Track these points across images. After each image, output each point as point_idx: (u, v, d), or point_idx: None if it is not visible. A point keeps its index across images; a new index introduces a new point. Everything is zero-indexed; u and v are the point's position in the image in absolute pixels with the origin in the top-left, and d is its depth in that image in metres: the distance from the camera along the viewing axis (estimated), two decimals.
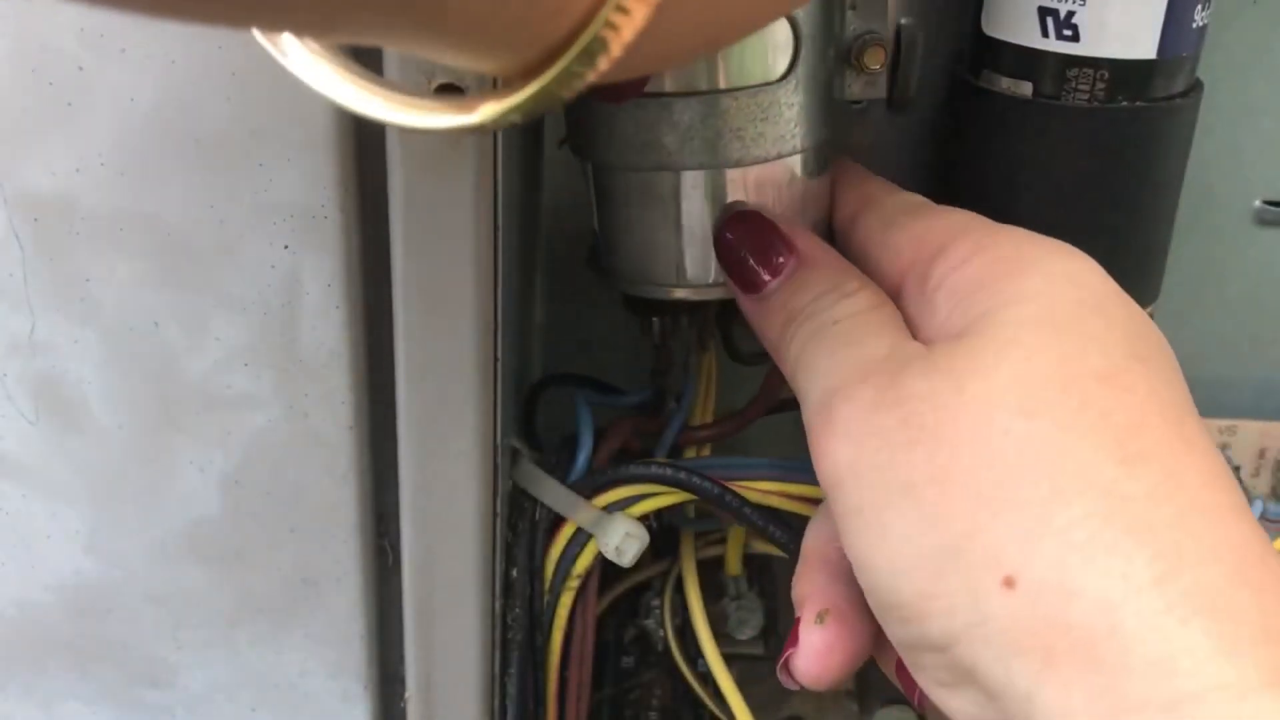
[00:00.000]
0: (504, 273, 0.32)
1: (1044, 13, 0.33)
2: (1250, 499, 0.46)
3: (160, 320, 0.32)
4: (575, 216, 0.45)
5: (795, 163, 0.34)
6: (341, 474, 0.33)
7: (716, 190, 0.34)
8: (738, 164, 0.33)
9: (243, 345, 0.32)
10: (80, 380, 0.32)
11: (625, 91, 0.29)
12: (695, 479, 0.37)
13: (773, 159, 0.34)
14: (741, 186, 0.34)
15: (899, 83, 0.42)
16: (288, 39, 0.20)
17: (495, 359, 0.32)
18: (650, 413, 0.42)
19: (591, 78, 0.16)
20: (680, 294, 0.35)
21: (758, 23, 0.27)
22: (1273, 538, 0.41)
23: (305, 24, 0.17)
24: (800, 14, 0.33)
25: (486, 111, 0.17)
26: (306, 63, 0.19)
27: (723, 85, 0.32)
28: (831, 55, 0.35)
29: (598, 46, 0.16)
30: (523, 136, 0.38)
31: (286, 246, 0.31)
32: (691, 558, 0.44)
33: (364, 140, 0.30)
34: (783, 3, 0.26)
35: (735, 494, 0.37)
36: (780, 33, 0.33)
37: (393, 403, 0.32)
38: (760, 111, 0.33)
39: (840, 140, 0.37)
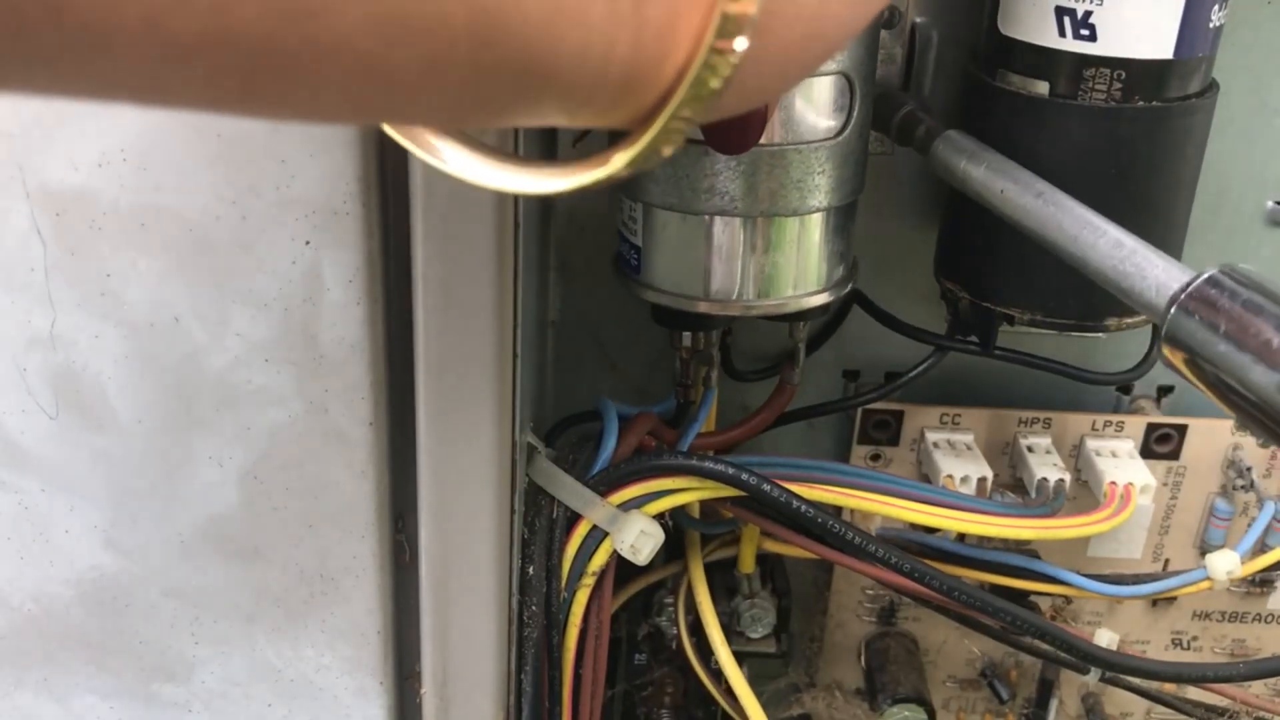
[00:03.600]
0: (523, 269, 0.32)
1: (1061, 12, 0.33)
2: (1261, 501, 0.46)
3: (181, 315, 0.32)
4: (588, 214, 0.45)
5: (837, 213, 0.37)
6: (360, 469, 0.33)
7: (758, 227, 0.36)
8: (794, 213, 0.35)
9: (263, 340, 0.32)
10: (100, 375, 0.32)
11: (747, 140, 0.30)
12: (709, 464, 0.37)
13: (824, 209, 0.36)
14: (785, 229, 0.36)
15: (912, 80, 0.42)
16: (442, 145, 0.22)
17: (514, 355, 0.32)
18: (668, 422, 0.42)
19: (696, 119, 0.18)
20: (704, 307, 0.37)
21: (846, 39, 0.27)
22: None
23: (438, 114, 0.19)
24: (855, 74, 0.35)
25: (617, 161, 0.19)
26: (460, 161, 0.21)
27: (788, 139, 0.34)
28: (868, 114, 0.37)
29: (701, 89, 0.18)
30: (540, 134, 0.38)
31: (308, 242, 0.31)
32: (699, 560, 0.44)
33: (385, 137, 0.30)
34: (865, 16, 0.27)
35: (753, 472, 0.37)
36: (839, 91, 0.35)
37: (412, 398, 0.32)
38: (819, 165, 0.35)
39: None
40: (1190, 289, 0.27)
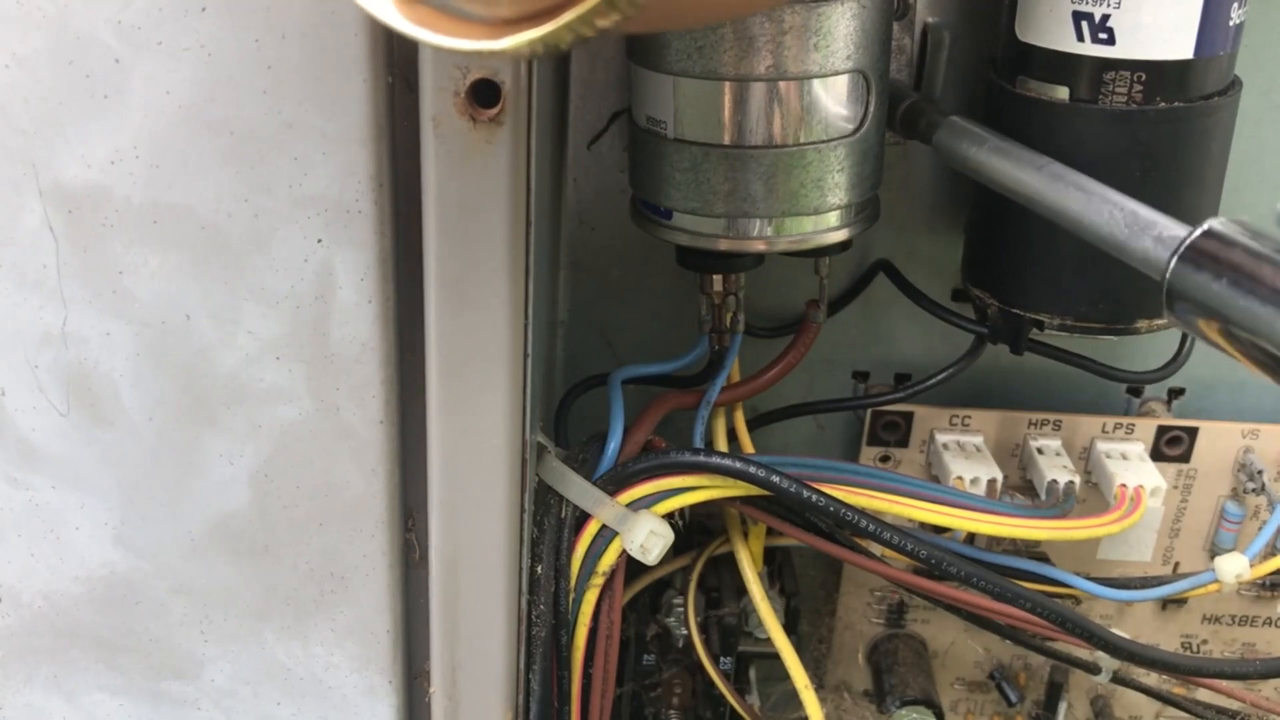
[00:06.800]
0: (534, 268, 0.32)
1: (1079, 17, 0.33)
2: (1272, 504, 0.45)
3: (192, 313, 0.32)
4: (598, 215, 0.45)
5: (855, 210, 0.37)
6: (370, 468, 0.33)
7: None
8: (814, 211, 0.36)
9: (274, 339, 0.32)
10: (111, 372, 0.32)
11: None
12: (717, 460, 0.37)
13: (843, 207, 0.36)
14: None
15: (925, 82, 0.42)
16: None
17: (526, 354, 0.32)
18: (693, 380, 0.43)
19: (608, 24, 0.17)
20: (725, 245, 0.37)
21: None
22: None
23: None
24: (870, 71, 0.35)
25: (513, 40, 0.18)
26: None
27: (806, 139, 0.35)
28: (884, 109, 0.37)
29: None
30: (552, 135, 0.38)
31: (320, 240, 0.31)
32: (740, 537, 0.43)
33: (398, 135, 0.30)
34: None
35: (761, 464, 0.37)
36: (855, 89, 0.35)
37: (423, 397, 0.32)
38: (838, 163, 0.35)
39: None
40: (1190, 240, 0.27)
